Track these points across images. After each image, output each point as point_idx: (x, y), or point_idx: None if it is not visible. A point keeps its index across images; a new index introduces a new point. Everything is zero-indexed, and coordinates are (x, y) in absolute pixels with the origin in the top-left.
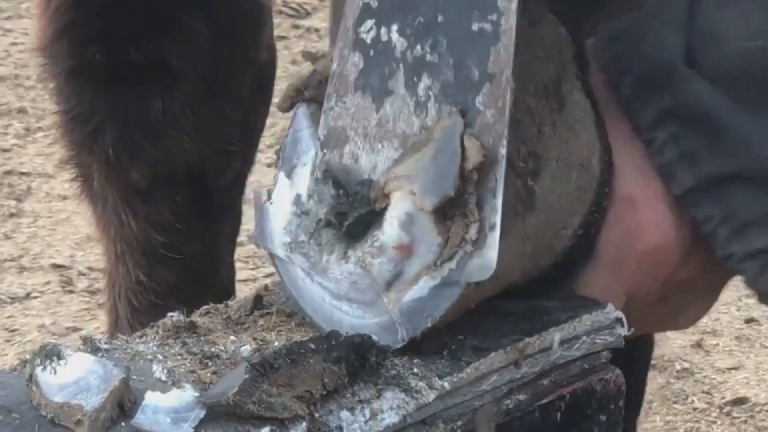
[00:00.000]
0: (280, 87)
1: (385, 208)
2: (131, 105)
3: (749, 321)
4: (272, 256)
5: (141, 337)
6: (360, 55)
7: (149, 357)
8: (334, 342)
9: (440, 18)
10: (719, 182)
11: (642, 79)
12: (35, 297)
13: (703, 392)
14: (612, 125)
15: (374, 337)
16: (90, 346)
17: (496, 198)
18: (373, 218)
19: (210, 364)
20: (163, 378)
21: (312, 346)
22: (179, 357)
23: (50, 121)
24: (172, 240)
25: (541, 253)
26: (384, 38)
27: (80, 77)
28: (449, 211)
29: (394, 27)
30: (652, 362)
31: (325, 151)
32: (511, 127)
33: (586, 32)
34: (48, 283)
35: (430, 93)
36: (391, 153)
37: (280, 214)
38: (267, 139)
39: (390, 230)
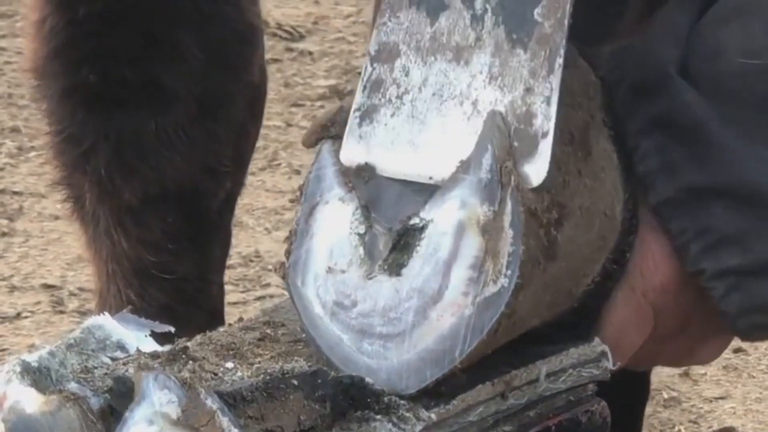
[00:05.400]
0: (276, 110)
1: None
2: (124, 125)
3: (737, 351)
4: (293, 291)
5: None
6: None
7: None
8: (320, 380)
9: None
10: (697, 195)
11: (635, 86)
12: (26, 317)
13: (690, 421)
14: None
15: (367, 379)
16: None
17: (550, 105)
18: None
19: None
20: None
21: (295, 382)
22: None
23: (43, 141)
24: (164, 260)
25: (561, 300)
26: None
27: (73, 98)
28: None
29: None
30: None
31: (375, 65)
32: (568, 40)
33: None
34: (39, 303)
35: (487, 6)
36: (444, 65)
37: (311, 247)
38: (259, 161)
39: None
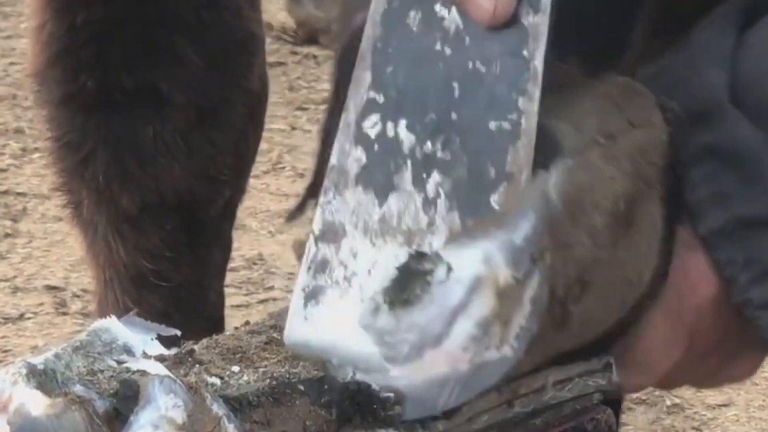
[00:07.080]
0: (281, 113)
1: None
2: (122, 132)
3: None
4: None
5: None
6: (363, 150)
7: None
8: (326, 386)
9: (454, 116)
10: (747, 226)
11: (686, 113)
12: (29, 318)
13: (693, 428)
14: None
15: (373, 386)
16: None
17: None
18: None
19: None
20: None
21: (301, 387)
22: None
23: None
24: (161, 267)
25: (566, 359)
26: (390, 134)
27: (72, 104)
28: None
29: (402, 123)
30: (643, 397)
31: (320, 245)
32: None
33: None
34: (41, 304)
35: (441, 190)
36: (395, 249)
37: None
38: (263, 165)
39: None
